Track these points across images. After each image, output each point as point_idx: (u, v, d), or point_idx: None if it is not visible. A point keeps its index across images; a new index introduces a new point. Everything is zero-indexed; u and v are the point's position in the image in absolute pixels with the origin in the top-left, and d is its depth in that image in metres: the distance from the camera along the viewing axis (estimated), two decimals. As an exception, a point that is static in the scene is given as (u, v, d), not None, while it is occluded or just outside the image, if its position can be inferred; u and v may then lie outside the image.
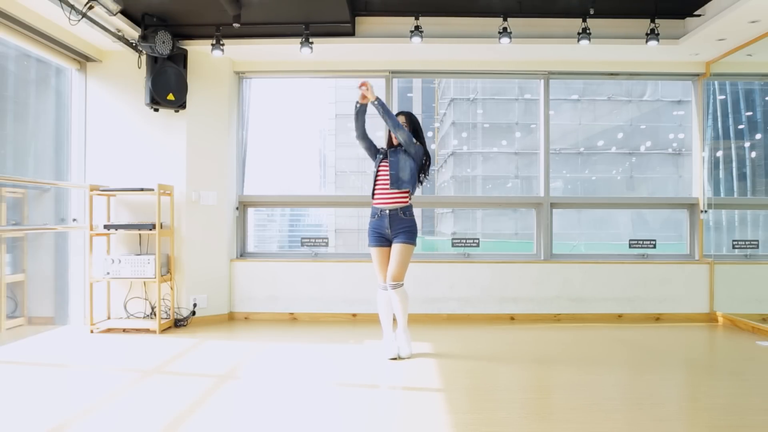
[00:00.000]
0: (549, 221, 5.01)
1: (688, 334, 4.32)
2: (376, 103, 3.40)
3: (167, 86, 4.37)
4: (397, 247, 3.42)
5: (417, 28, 4.18)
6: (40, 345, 3.85)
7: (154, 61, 4.35)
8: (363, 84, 3.42)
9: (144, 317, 4.50)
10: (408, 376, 3.13)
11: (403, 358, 3.44)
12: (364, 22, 4.51)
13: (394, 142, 3.57)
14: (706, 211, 4.96)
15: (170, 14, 4.21)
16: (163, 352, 3.65)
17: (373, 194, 3.53)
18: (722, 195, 5.06)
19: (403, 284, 3.43)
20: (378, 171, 3.53)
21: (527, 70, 5.01)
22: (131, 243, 4.54)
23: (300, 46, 4.29)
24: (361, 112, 3.54)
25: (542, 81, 5.05)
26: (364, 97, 3.45)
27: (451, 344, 3.93)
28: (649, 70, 4.98)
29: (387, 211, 3.44)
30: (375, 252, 3.52)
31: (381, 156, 3.57)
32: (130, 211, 4.55)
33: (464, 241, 5.07)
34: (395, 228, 3.44)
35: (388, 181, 3.45)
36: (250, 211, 5.19)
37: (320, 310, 4.86)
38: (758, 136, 4.99)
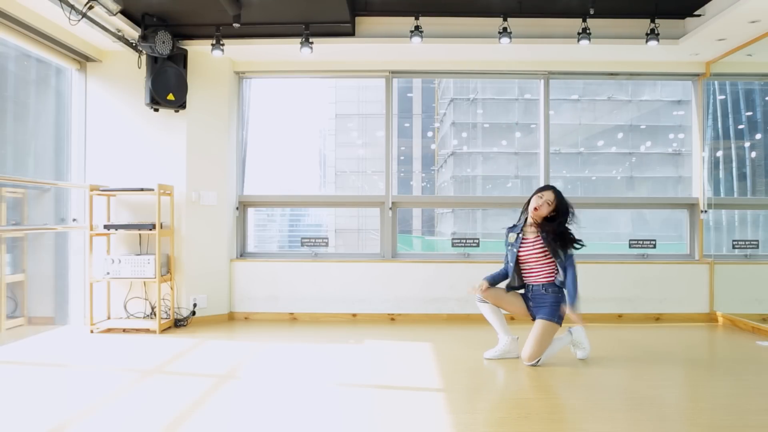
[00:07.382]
0: (549, 221, 5.00)
1: (688, 334, 4.32)
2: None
3: (167, 86, 4.37)
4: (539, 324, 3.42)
5: (417, 28, 4.18)
6: (40, 345, 3.85)
7: (154, 61, 4.35)
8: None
9: (144, 317, 4.50)
10: (408, 376, 3.13)
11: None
12: (364, 22, 4.51)
13: (536, 220, 3.50)
14: (706, 211, 4.96)
15: (170, 14, 4.21)
16: (163, 352, 3.65)
17: (518, 275, 3.53)
18: (722, 195, 5.06)
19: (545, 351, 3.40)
20: (528, 253, 3.49)
21: (527, 70, 5.01)
22: (131, 243, 4.54)
23: (300, 46, 4.29)
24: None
25: (542, 81, 5.05)
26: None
27: (451, 344, 3.94)
28: (649, 70, 4.98)
29: (531, 287, 3.52)
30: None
31: (516, 233, 3.58)
32: (130, 211, 4.55)
33: (464, 241, 5.07)
34: (537, 303, 3.48)
35: (535, 262, 3.47)
36: (250, 211, 5.19)
37: (320, 310, 4.86)
38: (758, 136, 4.99)
